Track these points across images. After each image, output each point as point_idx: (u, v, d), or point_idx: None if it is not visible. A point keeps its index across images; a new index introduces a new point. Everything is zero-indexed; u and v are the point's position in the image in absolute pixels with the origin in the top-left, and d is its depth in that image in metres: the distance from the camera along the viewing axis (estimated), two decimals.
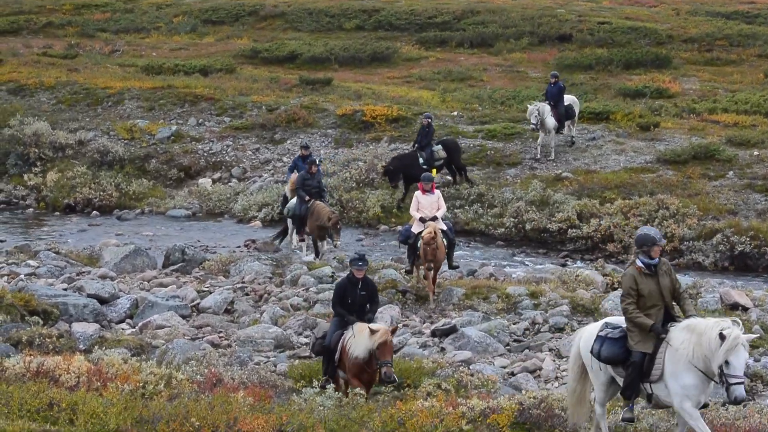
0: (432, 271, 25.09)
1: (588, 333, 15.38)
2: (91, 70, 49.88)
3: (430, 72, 52.17)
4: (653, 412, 15.78)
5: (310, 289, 25.69)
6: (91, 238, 32.82)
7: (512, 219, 33.25)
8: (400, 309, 24.55)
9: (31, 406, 14.21)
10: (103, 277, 26.84)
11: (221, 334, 23.15)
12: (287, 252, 30.54)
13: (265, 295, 25.74)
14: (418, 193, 26.13)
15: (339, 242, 29.06)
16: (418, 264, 25.78)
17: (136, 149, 40.62)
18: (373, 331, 17.19)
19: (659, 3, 66.93)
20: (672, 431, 15.60)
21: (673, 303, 14.87)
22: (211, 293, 25.64)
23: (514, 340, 22.91)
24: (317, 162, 30.56)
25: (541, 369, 21.02)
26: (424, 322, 24.06)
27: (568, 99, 37.48)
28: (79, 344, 21.61)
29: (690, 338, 14.23)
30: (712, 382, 14.29)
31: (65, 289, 25.33)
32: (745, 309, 24.22)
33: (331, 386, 17.13)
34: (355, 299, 17.97)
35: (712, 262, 30.42)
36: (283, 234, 31.16)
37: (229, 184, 38.53)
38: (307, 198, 29.18)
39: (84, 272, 27.45)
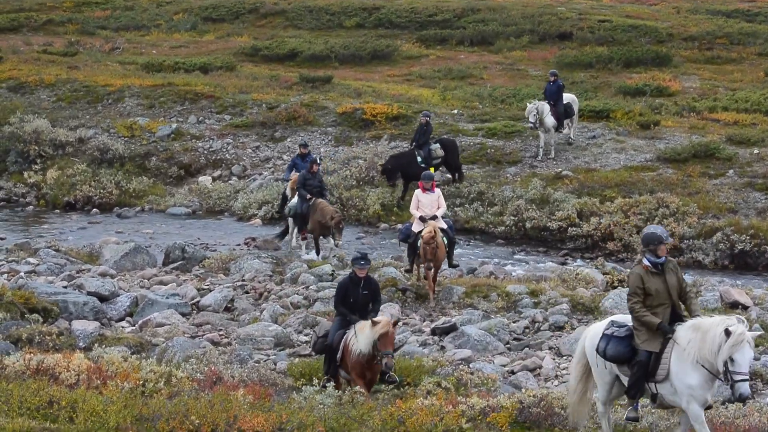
0: (432, 270, 25.07)
1: (594, 331, 15.33)
2: (92, 68, 49.86)
3: (431, 70, 52.16)
4: (653, 411, 15.78)
5: (311, 287, 25.70)
6: (91, 236, 32.82)
7: (512, 217, 33.24)
8: (400, 307, 24.54)
9: (31, 404, 14.22)
10: (103, 274, 26.84)
11: (221, 332, 23.16)
12: (287, 250, 30.55)
13: (265, 293, 25.74)
14: (418, 192, 26.11)
15: (340, 242, 29.06)
16: (418, 263, 25.77)
17: (137, 147, 40.60)
18: (374, 323, 17.15)
19: (660, 1, 66.95)
20: (671, 430, 15.60)
21: (680, 302, 14.83)
22: (211, 291, 25.66)
23: (514, 339, 22.91)
24: (318, 161, 30.53)
25: (541, 367, 21.02)
26: (424, 321, 24.06)
27: (567, 97, 37.45)
28: (79, 342, 21.62)
29: (696, 337, 14.20)
30: (717, 382, 14.28)
31: (65, 287, 25.35)
32: (745, 307, 24.20)
33: (331, 384, 17.13)
34: (357, 298, 17.93)
35: (712, 260, 30.41)
36: (286, 233, 31.14)
37: (230, 182, 38.52)
38: (309, 196, 29.18)
39: (84, 270, 27.46)
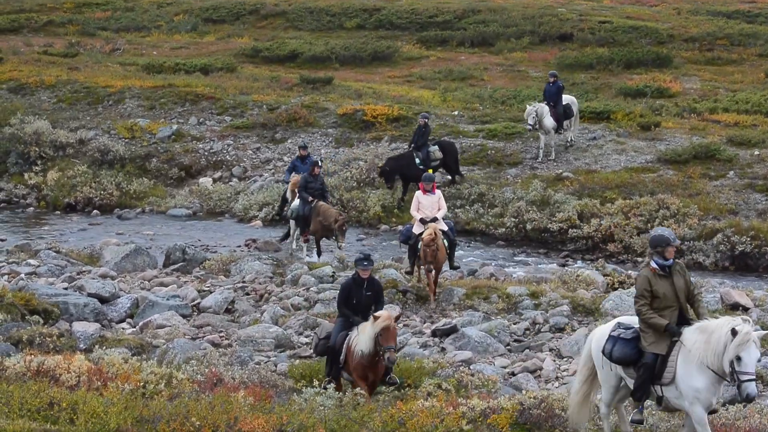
0: (432, 273, 25.06)
1: (600, 333, 15.27)
2: (92, 69, 49.87)
3: (431, 71, 52.16)
4: (653, 412, 15.77)
5: (311, 288, 25.69)
6: (92, 238, 32.83)
7: (513, 219, 33.25)
8: (400, 309, 24.53)
9: (32, 406, 14.22)
10: (104, 276, 26.85)
11: (222, 334, 23.15)
12: (288, 252, 30.53)
13: (266, 295, 25.74)
14: (418, 193, 26.09)
15: (343, 244, 29.04)
16: (419, 265, 25.75)
17: (137, 148, 40.60)
18: (375, 318, 17.08)
19: (660, 2, 66.95)
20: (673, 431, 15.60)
21: (687, 305, 14.78)
22: (211, 293, 25.65)
23: (515, 340, 22.90)
24: (319, 163, 30.50)
25: (541, 369, 21.01)
26: (424, 322, 24.06)
27: (567, 99, 37.43)
28: (80, 344, 21.61)
29: (701, 338, 14.16)
30: (722, 385, 14.24)
31: (66, 289, 25.34)
32: (746, 309, 24.18)
33: (331, 386, 17.12)
34: (360, 299, 17.86)
35: (712, 262, 30.41)
36: (289, 235, 31.10)
37: (230, 183, 38.52)
38: (311, 199, 29.16)
39: (84, 271, 27.46)
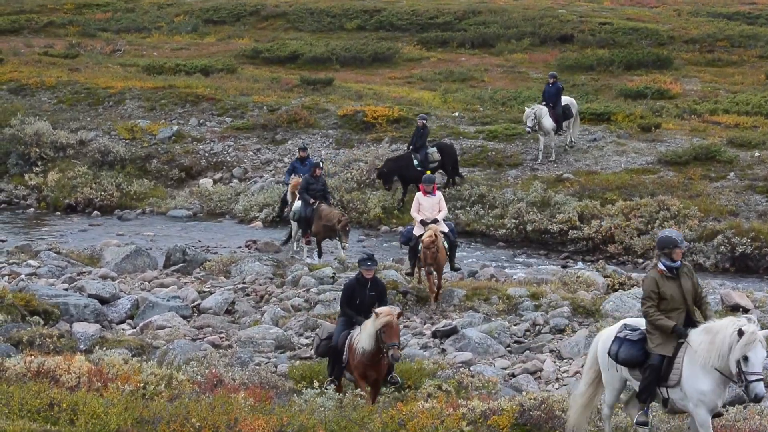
0: (432, 275, 25.04)
1: (607, 334, 15.21)
2: (93, 70, 49.88)
3: (432, 72, 52.17)
4: (654, 413, 15.75)
5: (311, 290, 25.68)
6: (92, 238, 32.83)
7: (513, 220, 33.26)
8: (401, 310, 24.51)
9: (32, 407, 14.22)
10: (104, 277, 26.85)
11: (222, 335, 23.15)
12: (289, 253, 30.52)
13: (266, 296, 25.74)
14: (419, 195, 26.05)
15: (347, 244, 29.02)
16: (419, 266, 25.73)
17: (137, 149, 40.61)
18: (377, 314, 16.98)
19: (660, 4, 66.94)
20: None
21: (695, 307, 14.70)
22: (211, 294, 25.65)
23: (515, 342, 22.89)
24: (320, 165, 30.46)
25: (541, 370, 21.01)
26: (424, 323, 24.06)
27: (566, 100, 37.41)
28: (80, 344, 21.62)
29: (706, 339, 14.10)
30: (728, 388, 14.20)
31: (66, 290, 25.35)
32: (746, 310, 24.17)
33: (331, 387, 17.10)
34: (364, 300, 17.76)
35: (712, 263, 30.41)
36: (291, 237, 31.07)
37: (230, 184, 38.53)
38: (312, 201, 29.13)
39: (85, 272, 27.46)
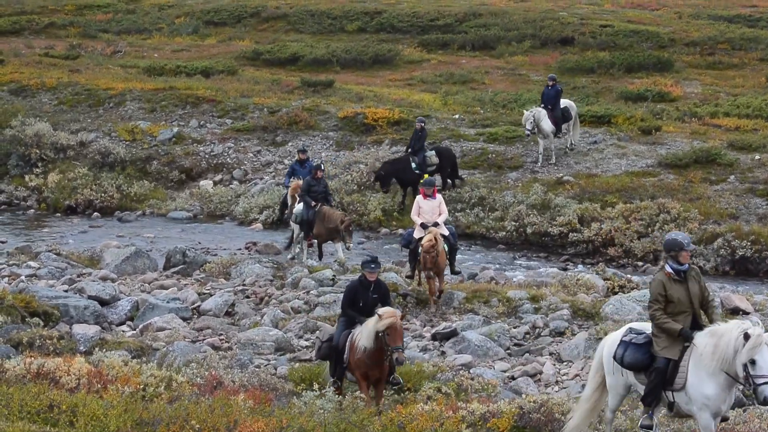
0: (432, 279, 25.03)
1: (612, 339, 15.15)
2: (93, 71, 49.92)
3: (432, 75, 52.19)
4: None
5: (311, 292, 25.67)
6: (92, 240, 32.84)
7: (513, 222, 33.27)
8: (401, 313, 24.50)
9: (32, 408, 14.21)
10: (104, 278, 26.85)
11: (222, 337, 23.14)
12: (289, 256, 30.50)
13: (266, 298, 25.72)
14: (419, 198, 25.99)
15: (351, 244, 28.98)
16: (420, 269, 25.71)
17: (138, 151, 40.62)
18: (380, 315, 16.93)
19: (661, 6, 66.94)
20: None
21: (701, 311, 14.66)
22: (211, 296, 25.64)
23: (515, 344, 22.88)
24: (321, 167, 30.41)
25: (541, 373, 21.00)
26: (424, 326, 24.06)
27: (564, 102, 37.42)
28: (80, 346, 21.60)
29: (711, 342, 14.05)
30: (734, 392, 14.15)
31: (66, 291, 25.35)
32: (746, 313, 24.19)
33: (331, 390, 17.09)
34: (366, 302, 17.72)
35: (713, 266, 30.40)
36: (292, 240, 31.01)
37: (231, 186, 38.54)
38: (314, 203, 29.07)
39: (85, 274, 27.45)
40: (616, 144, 38.36)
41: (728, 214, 33.01)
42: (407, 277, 26.28)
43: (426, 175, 32.47)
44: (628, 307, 23.81)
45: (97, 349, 20.55)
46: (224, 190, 37.97)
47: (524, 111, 37.63)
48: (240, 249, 31.92)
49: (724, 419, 14.57)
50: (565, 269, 30.27)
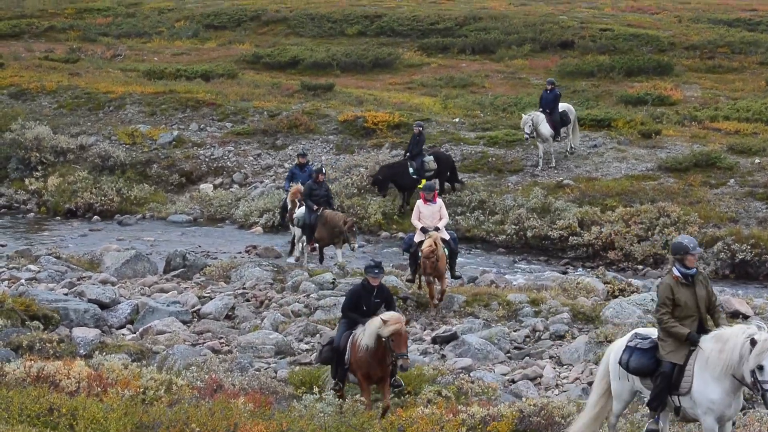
0: (432, 284, 25.01)
1: (618, 345, 15.11)
2: (93, 75, 49.91)
3: (432, 78, 52.17)
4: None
5: (311, 295, 25.67)
6: (92, 243, 32.83)
7: (513, 226, 33.26)
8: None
9: (31, 411, 14.20)
10: (104, 282, 26.84)
11: (222, 340, 23.14)
12: (289, 259, 30.51)
13: (266, 301, 25.72)
14: (419, 203, 25.91)
15: (356, 245, 28.94)
16: (420, 273, 25.69)
17: (138, 154, 40.62)
18: (385, 321, 16.89)
19: (661, 10, 66.94)
20: None
21: (707, 315, 14.61)
22: (211, 299, 25.63)
23: (515, 348, 22.89)
24: (323, 170, 30.38)
25: (541, 376, 21.00)
26: (424, 329, 24.05)
27: (563, 106, 37.42)
28: (80, 349, 21.61)
29: (717, 347, 14.02)
30: (741, 397, 14.12)
31: (66, 294, 25.34)
32: (746, 317, 24.18)
33: (331, 393, 17.08)
34: (369, 306, 17.68)
35: (712, 270, 30.37)
36: (294, 244, 30.98)
37: (231, 189, 38.54)
38: (316, 207, 29.03)
39: (85, 277, 27.45)
40: (616, 148, 38.36)
41: (728, 217, 33.02)
42: (408, 280, 26.27)
43: (423, 181, 32.47)
44: (628, 310, 23.82)
45: (97, 352, 20.57)
46: (224, 193, 37.97)
47: (523, 115, 37.63)
48: (240, 252, 31.92)
49: (733, 424, 14.52)
50: (565, 273, 30.27)
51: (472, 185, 36.18)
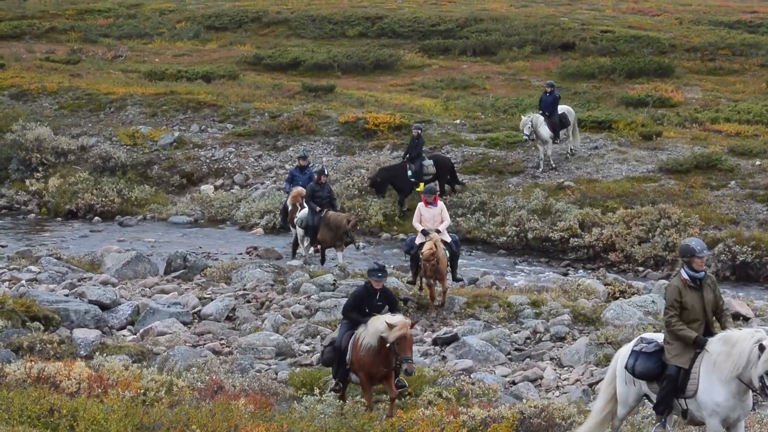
0: (433, 286, 25.00)
1: (625, 351, 15.06)
2: (94, 76, 49.93)
3: (433, 80, 52.19)
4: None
5: (312, 296, 25.66)
6: (93, 244, 32.83)
7: (514, 228, 33.26)
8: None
9: (32, 412, 14.20)
10: (105, 283, 26.83)
11: (222, 342, 23.13)
12: (290, 260, 30.51)
13: (267, 303, 25.70)
14: (420, 205, 25.84)
15: (360, 243, 28.92)
16: (421, 275, 25.67)
17: (139, 155, 40.63)
18: (390, 325, 16.86)
19: (662, 12, 66.97)
20: None
21: (714, 319, 14.57)
22: (212, 300, 25.62)
23: (516, 349, 22.87)
24: (325, 171, 30.36)
25: (542, 378, 20.99)
26: (425, 331, 24.04)
27: (562, 108, 37.43)
28: (80, 350, 21.59)
29: (724, 350, 13.98)
30: (748, 400, 14.09)
31: (66, 295, 25.32)
32: (746, 319, 24.17)
33: (332, 395, 17.06)
34: (372, 309, 17.66)
35: (713, 271, 30.30)
36: (296, 245, 30.95)
37: (232, 190, 38.54)
38: (318, 209, 29.01)
39: (85, 278, 27.45)
40: (617, 149, 38.36)
41: (729, 219, 33.01)
42: (409, 282, 26.27)
43: (422, 184, 32.45)
44: (628, 312, 23.81)
45: (97, 353, 20.56)
46: (225, 194, 37.97)
47: (522, 116, 37.62)
48: (241, 253, 31.92)
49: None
50: (565, 274, 30.27)
51: (473, 187, 36.19)
